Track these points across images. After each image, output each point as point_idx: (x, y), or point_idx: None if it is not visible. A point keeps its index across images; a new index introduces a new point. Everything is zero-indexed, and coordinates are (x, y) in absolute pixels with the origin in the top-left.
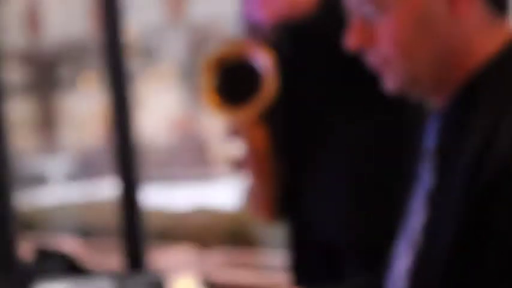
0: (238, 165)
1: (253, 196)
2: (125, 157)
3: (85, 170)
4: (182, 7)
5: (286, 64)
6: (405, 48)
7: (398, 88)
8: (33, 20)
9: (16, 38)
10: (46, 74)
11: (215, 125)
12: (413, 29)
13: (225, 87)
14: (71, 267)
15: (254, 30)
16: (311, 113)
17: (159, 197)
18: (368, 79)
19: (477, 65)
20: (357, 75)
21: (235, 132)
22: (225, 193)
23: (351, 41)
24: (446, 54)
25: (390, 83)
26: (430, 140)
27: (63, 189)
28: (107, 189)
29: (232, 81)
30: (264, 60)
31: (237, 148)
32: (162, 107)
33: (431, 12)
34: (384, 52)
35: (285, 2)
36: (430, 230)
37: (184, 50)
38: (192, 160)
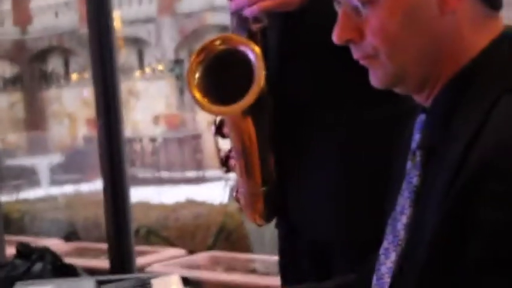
0: (226, 161)
1: (242, 195)
2: (113, 153)
3: (73, 165)
4: None
5: (275, 57)
6: (393, 42)
7: (385, 83)
8: (20, 14)
9: (3, 32)
10: (33, 68)
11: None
12: (401, 22)
13: (211, 83)
14: (56, 266)
15: (242, 22)
16: (300, 108)
17: (149, 194)
18: (357, 73)
19: (466, 61)
20: (346, 69)
21: (224, 127)
22: (216, 190)
23: (338, 34)
24: (435, 49)
25: (377, 77)
26: (416, 137)
27: (50, 185)
28: (94, 186)
29: (219, 76)
30: (252, 54)
31: (226, 144)
32: (153, 100)
33: (420, 6)
34: (372, 46)
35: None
36: (413, 227)
37: (175, 42)
38: (184, 156)
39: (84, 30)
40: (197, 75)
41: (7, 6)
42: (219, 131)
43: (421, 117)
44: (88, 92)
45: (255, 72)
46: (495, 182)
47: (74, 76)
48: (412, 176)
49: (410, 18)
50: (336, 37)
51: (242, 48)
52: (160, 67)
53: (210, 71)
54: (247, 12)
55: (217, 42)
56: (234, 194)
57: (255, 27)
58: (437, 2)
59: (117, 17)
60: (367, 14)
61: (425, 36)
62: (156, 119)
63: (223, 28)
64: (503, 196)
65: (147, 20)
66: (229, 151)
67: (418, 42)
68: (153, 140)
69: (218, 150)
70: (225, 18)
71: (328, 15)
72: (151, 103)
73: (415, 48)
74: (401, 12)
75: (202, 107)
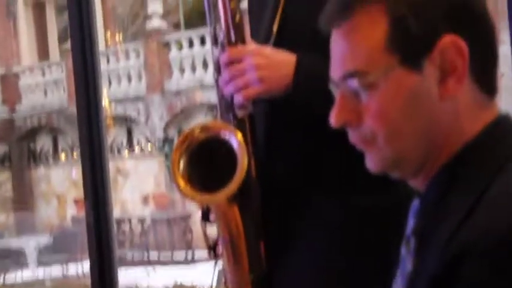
0: (214, 248)
1: (230, 282)
2: (101, 234)
3: (61, 246)
4: (162, 76)
5: (262, 142)
6: (392, 126)
7: (382, 167)
8: (9, 92)
9: None
10: (22, 147)
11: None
12: (401, 107)
13: (195, 171)
14: None
15: (229, 108)
16: (289, 194)
17: (138, 277)
18: (350, 157)
19: (461, 146)
20: (338, 153)
21: (211, 213)
22: (204, 275)
23: (335, 117)
24: (433, 134)
25: (374, 161)
26: (410, 222)
27: (37, 266)
28: (82, 267)
29: (203, 164)
30: (235, 141)
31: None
32: (141, 180)
33: (420, 91)
34: (370, 130)
35: (260, 87)
36: None
37: (164, 120)
38: (173, 237)
39: (73, 108)
40: (181, 164)
41: None
42: (206, 217)
43: (416, 203)
44: (77, 173)
45: (238, 160)
46: (472, 266)
47: (63, 156)
48: (407, 262)
49: (410, 104)
50: (333, 120)
51: (224, 135)
52: (149, 146)
53: (194, 160)
54: (235, 101)
55: (197, 131)
56: (223, 280)
57: (241, 113)
58: (438, 87)
59: (106, 96)
60: (367, 97)
61: (424, 121)
62: (145, 199)
63: (213, 106)
64: (481, 279)
65: (136, 99)
66: (217, 237)
67: (417, 127)
68: (142, 220)
69: (206, 236)
70: (214, 97)
71: (315, 98)
72: (140, 182)
73: (413, 133)
74: (402, 97)
75: (186, 196)
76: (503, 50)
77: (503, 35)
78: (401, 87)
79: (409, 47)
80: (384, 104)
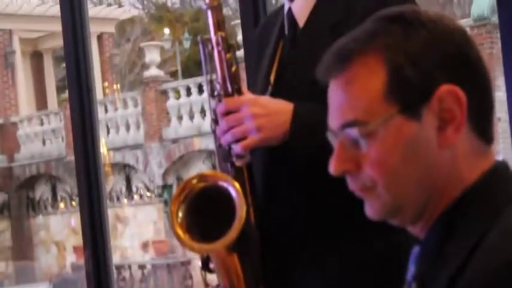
0: None
1: None
2: (101, 282)
3: None
4: (160, 124)
5: (261, 191)
6: (392, 174)
7: (382, 214)
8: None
9: None
10: (21, 195)
11: None
12: (400, 154)
13: (194, 220)
14: None
15: (227, 157)
16: (289, 243)
17: None
18: (349, 203)
19: (459, 193)
20: (337, 201)
21: (210, 262)
22: None
23: (335, 166)
24: (432, 181)
25: (374, 209)
26: (411, 268)
27: None
28: None
29: (202, 213)
30: (233, 190)
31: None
32: (141, 227)
33: (419, 139)
34: (369, 177)
35: (258, 136)
36: None
37: (163, 167)
38: (173, 283)
39: (71, 157)
40: (180, 214)
41: None
42: (206, 266)
43: (416, 249)
44: (76, 221)
45: (236, 209)
46: None
47: (62, 204)
48: None
49: (410, 151)
50: (332, 169)
51: (222, 184)
52: (148, 193)
53: (192, 209)
54: (233, 151)
55: (195, 181)
56: None
57: (239, 162)
58: (436, 136)
59: (104, 144)
60: (367, 146)
61: (423, 169)
62: (144, 246)
63: (211, 153)
64: None
65: (135, 146)
66: (217, 286)
67: (416, 174)
68: (142, 266)
69: (206, 285)
70: (212, 144)
71: (312, 145)
72: (139, 229)
73: (413, 180)
74: (402, 145)
75: (185, 246)
76: (499, 95)
77: (498, 81)
78: (401, 136)
79: (408, 96)
80: (383, 152)
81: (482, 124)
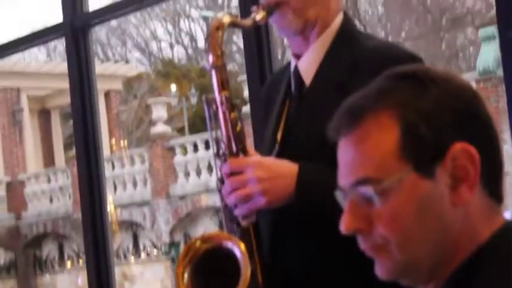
0: None
1: None
2: None
3: None
4: (167, 181)
5: (268, 249)
6: (405, 233)
7: (394, 274)
8: (15, 200)
9: None
10: (28, 254)
11: None
12: (414, 213)
13: (200, 281)
14: None
15: (233, 218)
16: None
17: None
18: (357, 262)
19: (470, 253)
20: (343, 256)
21: None
22: None
23: (346, 225)
24: (445, 240)
25: (385, 268)
26: None
27: None
28: None
29: (208, 274)
30: (238, 250)
31: None
32: (148, 285)
33: (433, 197)
34: (381, 236)
35: (263, 200)
36: None
37: (170, 224)
38: None
39: (78, 215)
40: (185, 276)
41: (2, 192)
42: None
43: None
44: (83, 279)
45: (241, 270)
46: None
47: (69, 263)
48: None
49: (423, 210)
50: (344, 227)
51: (227, 245)
52: (155, 251)
53: (198, 271)
54: (238, 212)
55: (198, 243)
56: None
57: (244, 222)
58: (450, 194)
59: (111, 201)
60: (380, 204)
61: (437, 228)
62: None
63: (218, 210)
64: None
65: (142, 203)
66: None
67: (429, 232)
68: None
69: None
70: (219, 201)
71: (318, 205)
72: (146, 287)
73: (426, 239)
74: (415, 203)
75: None
76: (506, 149)
77: (505, 135)
78: (415, 194)
79: (422, 154)
80: (397, 210)
81: (493, 182)
